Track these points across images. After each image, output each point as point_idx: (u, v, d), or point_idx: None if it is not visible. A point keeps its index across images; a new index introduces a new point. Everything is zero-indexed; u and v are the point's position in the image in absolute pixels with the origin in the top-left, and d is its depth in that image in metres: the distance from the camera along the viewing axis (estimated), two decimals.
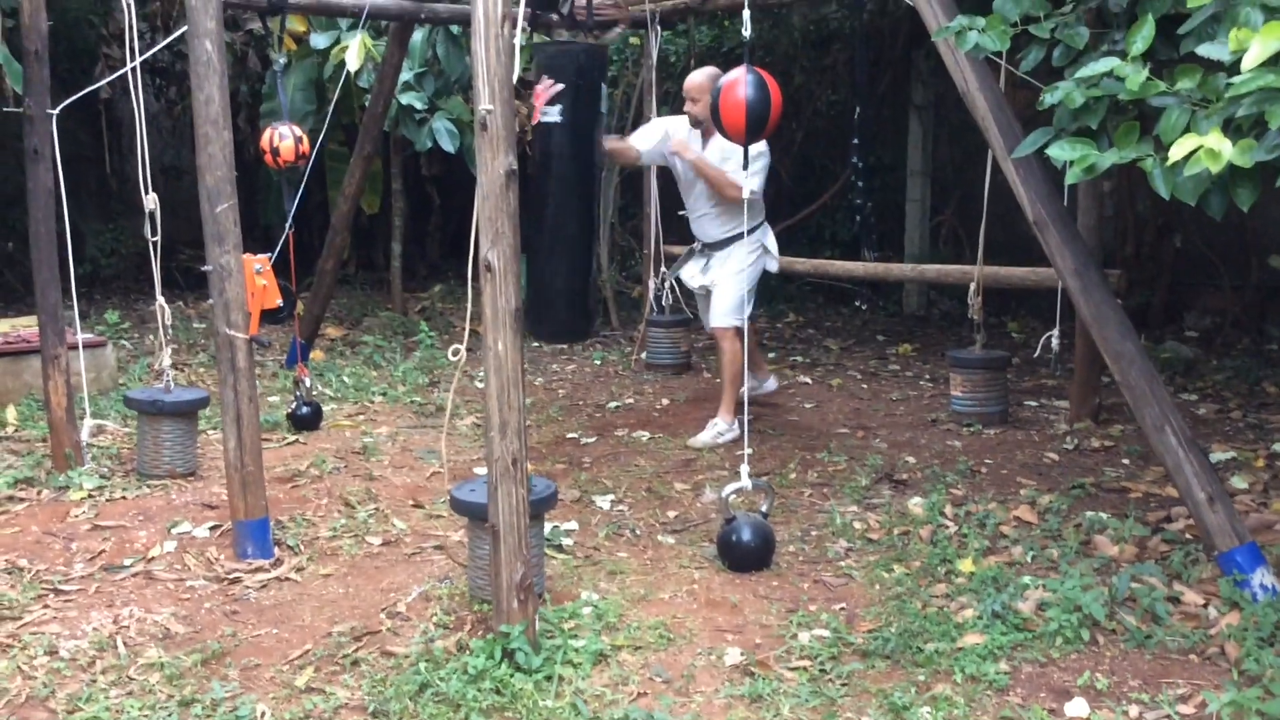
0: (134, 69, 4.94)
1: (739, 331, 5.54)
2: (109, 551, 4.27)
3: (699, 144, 5.69)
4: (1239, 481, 4.82)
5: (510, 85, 3.13)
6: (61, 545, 4.32)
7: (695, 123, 5.66)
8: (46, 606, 3.80)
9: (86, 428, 5.25)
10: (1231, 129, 2.91)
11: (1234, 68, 2.84)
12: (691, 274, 5.99)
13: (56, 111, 4.98)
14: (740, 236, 5.52)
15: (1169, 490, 4.60)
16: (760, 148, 5.32)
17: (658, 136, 5.83)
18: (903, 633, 3.49)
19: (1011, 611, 3.56)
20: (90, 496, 4.83)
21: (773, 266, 5.91)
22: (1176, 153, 2.86)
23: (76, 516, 4.61)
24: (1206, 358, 7.19)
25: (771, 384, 6.38)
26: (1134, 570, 3.81)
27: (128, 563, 4.17)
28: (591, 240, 5.57)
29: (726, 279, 5.70)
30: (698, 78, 5.58)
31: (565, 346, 8.33)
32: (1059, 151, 3.35)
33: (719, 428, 5.70)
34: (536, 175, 5.51)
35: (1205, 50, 2.99)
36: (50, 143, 4.97)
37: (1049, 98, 3.43)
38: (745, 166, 4.47)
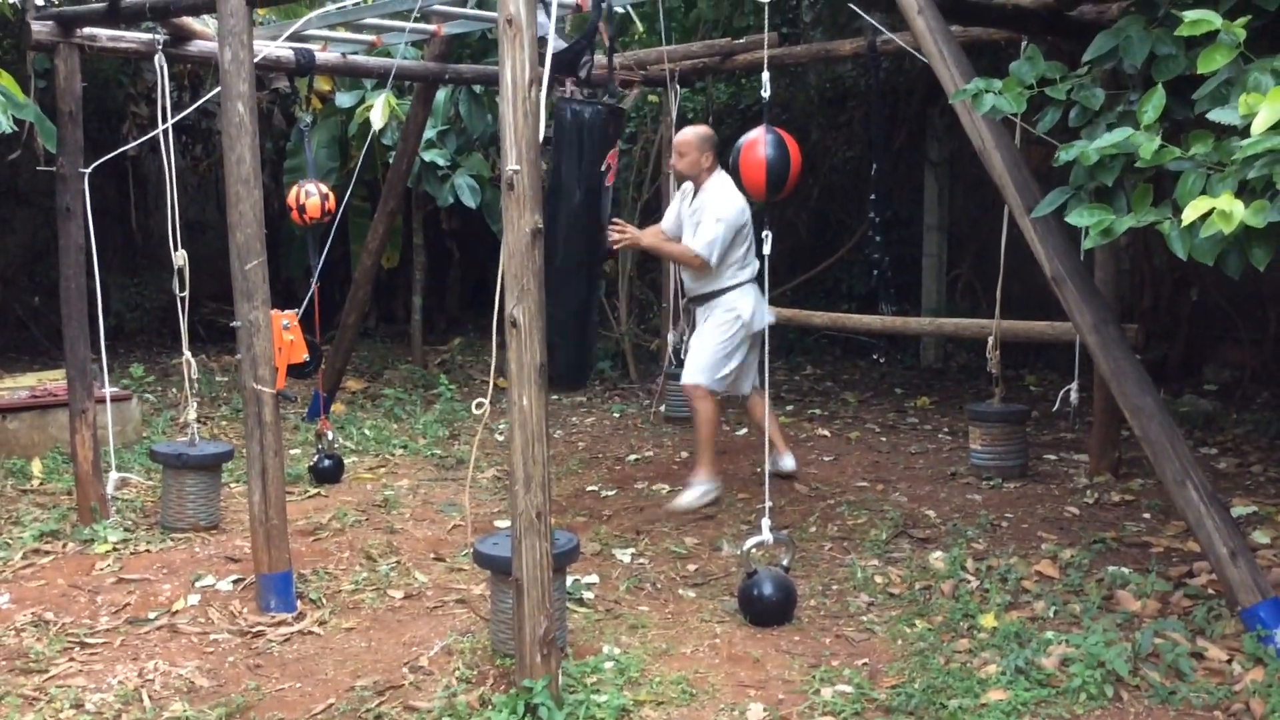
0: (165, 131, 5.05)
1: (709, 393, 5.50)
2: (134, 605, 4.30)
3: (686, 203, 5.67)
4: (1261, 536, 4.80)
5: (536, 146, 3.20)
6: (87, 598, 4.36)
7: (676, 174, 5.71)
8: (72, 659, 3.83)
9: (112, 481, 5.30)
10: (1246, 191, 2.96)
11: (1247, 131, 2.89)
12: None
13: (89, 171, 5.09)
14: (718, 294, 5.50)
15: (1191, 545, 4.58)
16: (721, 212, 5.31)
17: (670, 225, 5.85)
18: (926, 688, 3.49)
19: (1035, 667, 3.55)
20: (115, 549, 4.88)
21: (755, 326, 5.53)
22: (1190, 215, 2.90)
23: (101, 569, 4.66)
24: (1226, 411, 7.18)
25: (789, 462, 6.01)
26: (1157, 626, 3.80)
27: (152, 616, 4.20)
28: (591, 292, 5.56)
29: (702, 336, 5.59)
30: (685, 134, 5.59)
31: (584, 399, 8.38)
32: (1077, 218, 3.41)
33: (701, 489, 5.49)
34: (548, 225, 5.58)
35: (1216, 115, 3.05)
36: (82, 201, 5.07)
37: (1064, 155, 3.48)
38: (765, 227, 4.51)
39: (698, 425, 5.56)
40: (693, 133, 5.58)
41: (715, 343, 5.50)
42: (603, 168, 5.26)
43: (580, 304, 5.20)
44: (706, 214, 5.40)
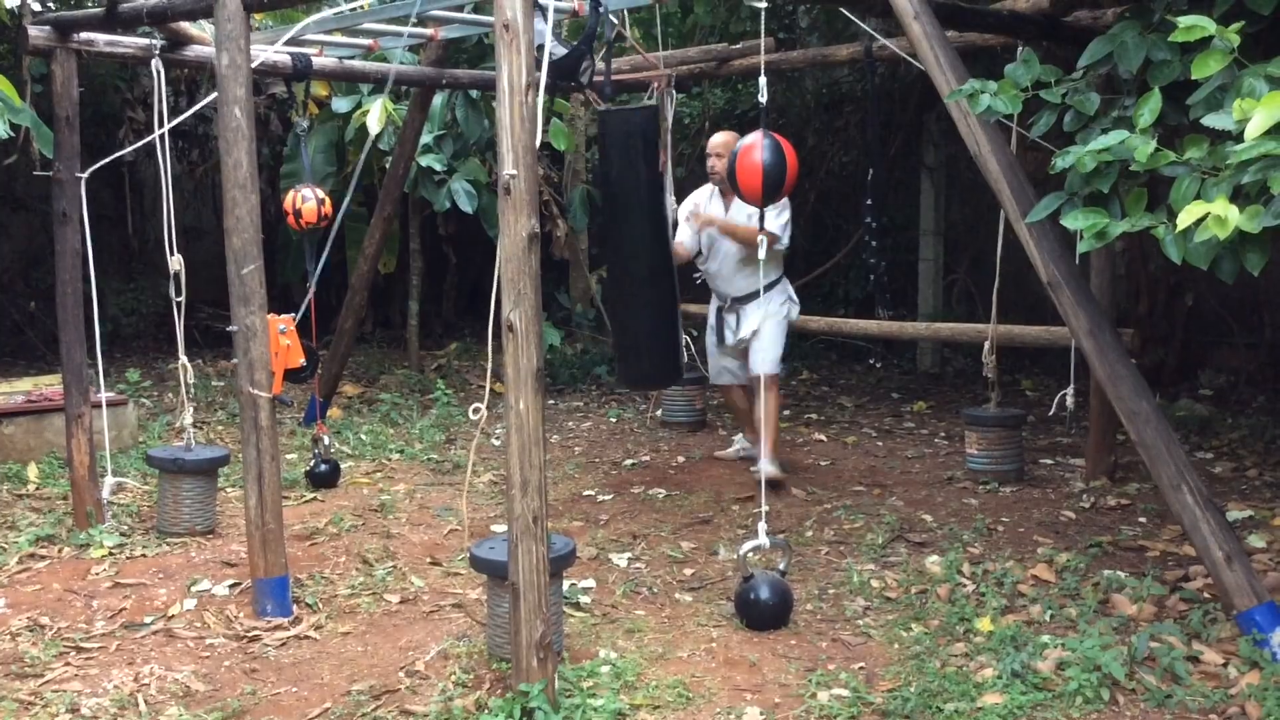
0: (161, 136, 5.05)
1: (777, 378, 5.97)
2: (129, 609, 4.30)
3: (719, 206, 5.99)
4: (1256, 540, 4.80)
5: (533, 151, 3.20)
6: (83, 603, 4.35)
7: (718, 179, 5.89)
8: (68, 664, 3.82)
9: (108, 485, 5.30)
10: (1241, 196, 2.97)
11: (1241, 137, 2.90)
12: (726, 335, 6.10)
13: (85, 176, 5.09)
14: (769, 287, 5.85)
15: (1186, 549, 4.59)
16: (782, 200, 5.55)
17: (688, 220, 6.10)
18: (922, 692, 3.49)
19: (1031, 671, 3.56)
20: (111, 554, 4.87)
21: (794, 314, 6.20)
22: (1184, 220, 2.92)
23: (97, 574, 4.65)
24: (1222, 416, 7.19)
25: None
26: (1153, 629, 3.81)
27: (148, 620, 4.20)
28: (672, 290, 5.69)
29: (768, 326, 5.90)
30: (721, 135, 5.96)
31: (580, 404, 8.38)
32: (1072, 222, 3.42)
33: (776, 464, 5.78)
34: (612, 233, 5.73)
35: (1211, 120, 3.07)
36: (79, 206, 5.07)
37: (1060, 162, 3.49)
38: (761, 228, 4.53)
39: (770, 411, 5.85)
40: (730, 135, 5.93)
41: (781, 332, 5.96)
42: (660, 166, 5.44)
43: (668, 303, 5.51)
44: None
